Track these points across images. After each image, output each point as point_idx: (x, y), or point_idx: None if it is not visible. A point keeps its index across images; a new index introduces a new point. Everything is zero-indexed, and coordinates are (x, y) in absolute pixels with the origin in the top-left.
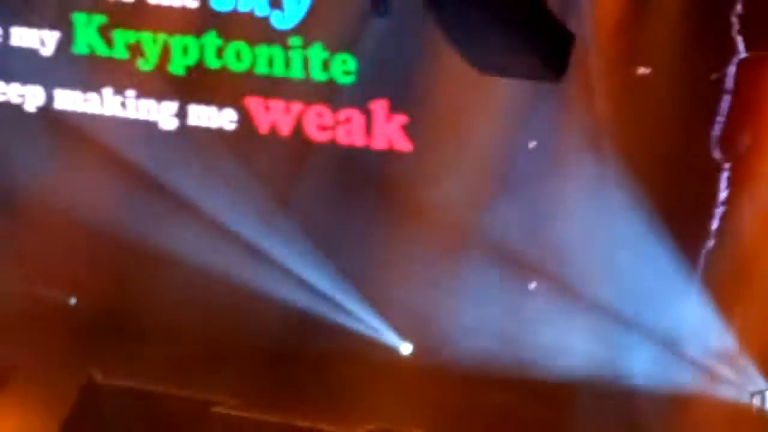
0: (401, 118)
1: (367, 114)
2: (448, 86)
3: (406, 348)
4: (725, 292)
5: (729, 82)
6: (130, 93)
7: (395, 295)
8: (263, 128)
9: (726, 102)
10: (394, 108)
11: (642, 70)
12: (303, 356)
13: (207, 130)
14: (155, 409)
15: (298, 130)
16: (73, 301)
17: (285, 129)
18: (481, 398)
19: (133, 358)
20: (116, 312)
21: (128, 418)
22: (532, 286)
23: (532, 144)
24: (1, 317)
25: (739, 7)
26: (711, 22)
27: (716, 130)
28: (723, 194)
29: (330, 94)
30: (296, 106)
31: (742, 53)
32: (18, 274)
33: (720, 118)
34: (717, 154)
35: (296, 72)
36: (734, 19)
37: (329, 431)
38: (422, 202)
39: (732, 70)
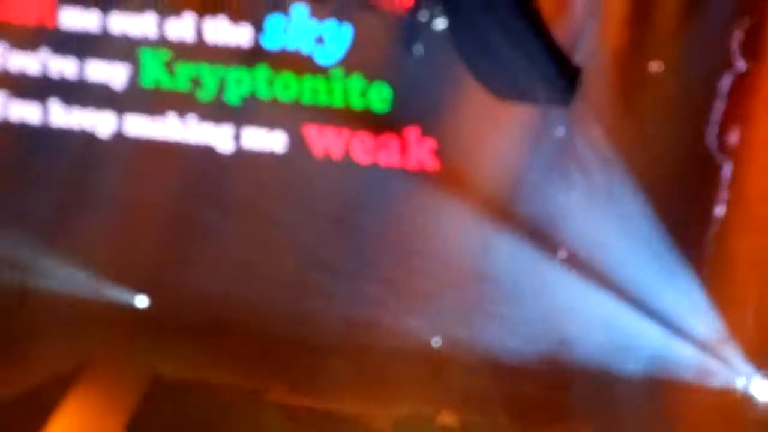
0: (431, 142)
1: (402, 138)
2: (472, 113)
3: (436, 341)
4: (718, 284)
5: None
6: (192, 120)
7: (428, 292)
8: (317, 152)
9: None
10: (425, 133)
11: (656, 67)
12: (343, 348)
13: (259, 153)
14: (213, 398)
15: (347, 153)
16: (143, 302)
17: (336, 153)
18: (502, 385)
19: (195, 352)
20: (182, 311)
21: (190, 408)
22: (562, 255)
23: (545, 165)
24: (71, 317)
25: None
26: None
27: (713, 128)
28: (718, 192)
29: (369, 121)
30: (345, 133)
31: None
32: (91, 278)
33: (715, 117)
34: (713, 150)
35: (337, 100)
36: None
37: (367, 414)
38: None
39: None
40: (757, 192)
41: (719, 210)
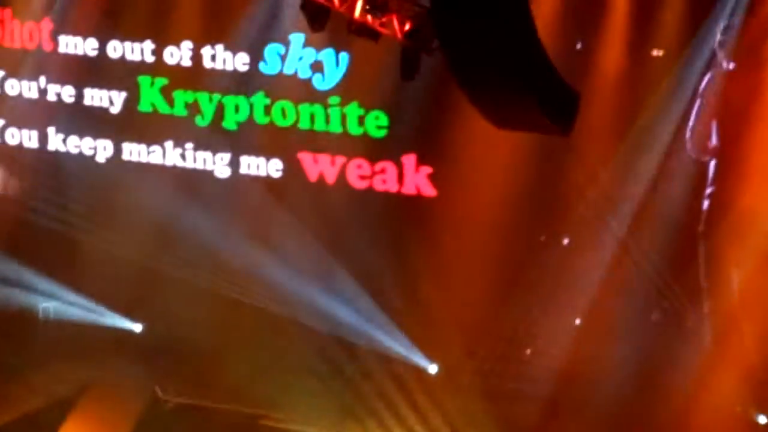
0: (427, 169)
1: (399, 165)
2: (468, 140)
3: (433, 368)
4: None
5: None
6: (189, 146)
7: (424, 320)
8: (312, 177)
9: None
10: (422, 160)
11: (656, 53)
12: (343, 375)
13: (256, 179)
14: (210, 422)
15: (342, 178)
16: (139, 328)
17: (330, 178)
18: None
19: (191, 377)
20: (176, 337)
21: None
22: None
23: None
24: (73, 342)
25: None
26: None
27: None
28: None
29: (366, 147)
30: (340, 159)
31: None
32: (90, 307)
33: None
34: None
35: (335, 127)
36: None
37: None
38: (445, 239)
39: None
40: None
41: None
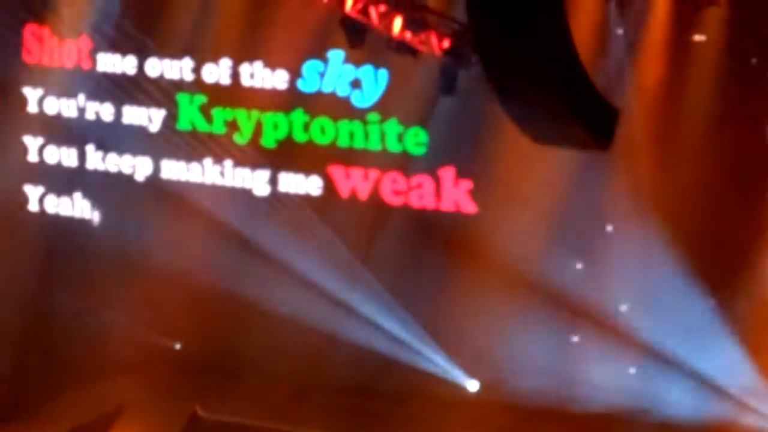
0: (467, 184)
1: (437, 180)
2: (508, 155)
3: (472, 385)
4: (752, 329)
5: None
6: (228, 163)
7: (463, 338)
8: (344, 193)
9: None
10: (461, 174)
11: (698, 37)
12: (380, 393)
13: (295, 196)
14: None
15: (375, 194)
16: (178, 346)
17: (364, 194)
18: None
19: (231, 395)
20: (216, 355)
21: None
22: (575, 339)
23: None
24: (114, 359)
25: None
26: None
27: None
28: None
29: (403, 162)
30: (373, 173)
31: None
32: (130, 324)
33: None
34: None
35: (374, 144)
36: None
37: None
38: (486, 256)
39: None
40: None
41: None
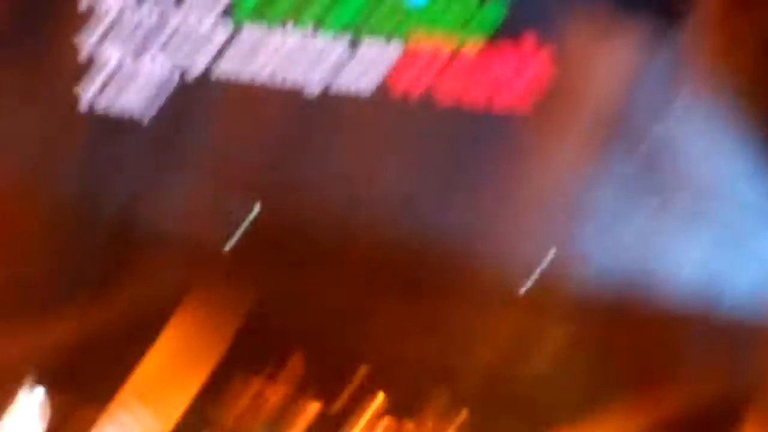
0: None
1: (519, 46)
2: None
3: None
4: None
5: None
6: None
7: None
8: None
9: None
10: (543, 39)
11: None
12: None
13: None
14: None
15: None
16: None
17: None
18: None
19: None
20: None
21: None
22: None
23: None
24: (173, 247)
25: None
26: None
27: None
28: None
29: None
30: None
31: None
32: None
33: None
34: None
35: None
36: None
37: None
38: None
39: None
40: None
41: None
